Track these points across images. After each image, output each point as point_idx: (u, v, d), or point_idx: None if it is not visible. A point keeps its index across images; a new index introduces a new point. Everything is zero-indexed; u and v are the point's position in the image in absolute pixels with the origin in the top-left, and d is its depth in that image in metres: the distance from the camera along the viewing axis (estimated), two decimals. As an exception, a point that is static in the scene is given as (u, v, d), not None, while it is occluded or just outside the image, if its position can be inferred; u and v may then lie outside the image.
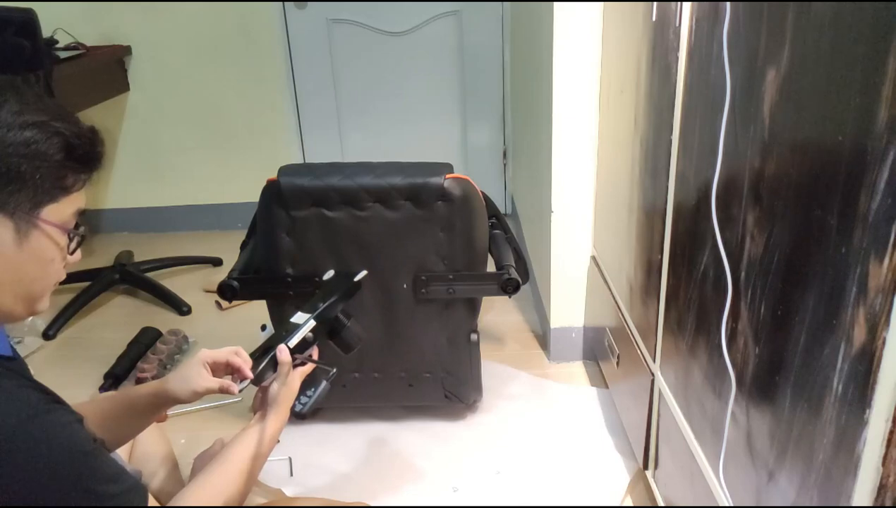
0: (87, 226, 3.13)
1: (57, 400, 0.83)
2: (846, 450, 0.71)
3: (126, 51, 2.90)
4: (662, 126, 1.28)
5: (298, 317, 1.17)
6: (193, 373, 1.08)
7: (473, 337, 1.72)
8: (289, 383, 1.09)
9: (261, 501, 1.57)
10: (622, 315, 1.65)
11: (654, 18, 1.31)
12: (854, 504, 0.71)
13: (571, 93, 1.79)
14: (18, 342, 2.24)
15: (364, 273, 1.34)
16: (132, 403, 1.13)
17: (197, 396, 1.08)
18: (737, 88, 0.94)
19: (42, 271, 0.84)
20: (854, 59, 0.68)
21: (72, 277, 2.62)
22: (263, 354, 1.10)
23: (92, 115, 2.88)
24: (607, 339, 1.79)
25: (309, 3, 2.90)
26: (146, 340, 2.18)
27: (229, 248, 2.21)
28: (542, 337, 2.19)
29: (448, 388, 1.76)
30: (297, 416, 1.15)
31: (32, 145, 0.78)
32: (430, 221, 1.57)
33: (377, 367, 1.73)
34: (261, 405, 1.11)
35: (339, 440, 1.77)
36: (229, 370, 1.10)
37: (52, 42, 2.49)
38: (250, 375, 1.07)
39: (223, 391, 1.07)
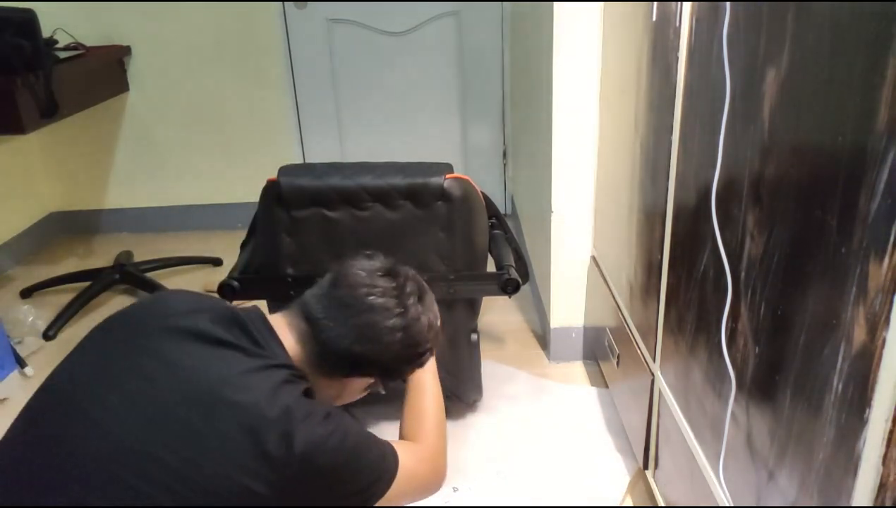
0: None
1: None
2: (846, 450, 0.71)
3: (126, 51, 2.90)
4: (662, 126, 1.28)
5: None
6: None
7: (473, 337, 1.72)
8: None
9: None
10: (622, 315, 1.65)
11: (654, 18, 1.31)
12: (854, 504, 0.71)
13: (571, 94, 1.79)
14: (18, 342, 2.24)
15: None
16: None
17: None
18: (737, 89, 0.94)
19: None
20: (854, 60, 0.68)
21: (72, 277, 2.63)
22: None
23: (92, 115, 2.89)
24: (607, 339, 1.79)
25: (309, 3, 2.90)
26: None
27: (229, 248, 2.21)
28: (542, 337, 2.19)
29: (448, 388, 1.75)
30: None
31: None
32: (430, 221, 1.57)
33: (377, 367, 1.73)
34: None
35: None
36: None
37: (52, 42, 2.48)
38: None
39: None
